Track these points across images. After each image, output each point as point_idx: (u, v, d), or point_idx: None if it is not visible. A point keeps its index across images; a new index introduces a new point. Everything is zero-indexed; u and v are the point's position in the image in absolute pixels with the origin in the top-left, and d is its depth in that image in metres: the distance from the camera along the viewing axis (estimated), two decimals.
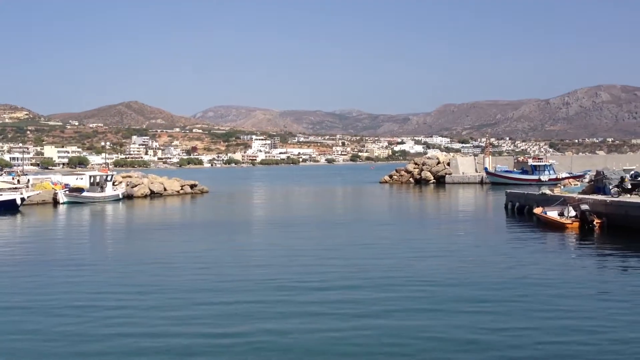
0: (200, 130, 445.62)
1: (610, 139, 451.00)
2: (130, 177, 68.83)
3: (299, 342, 12.82)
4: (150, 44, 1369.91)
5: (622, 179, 33.72)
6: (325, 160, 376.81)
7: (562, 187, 43.62)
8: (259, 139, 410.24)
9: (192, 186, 70.96)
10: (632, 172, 38.83)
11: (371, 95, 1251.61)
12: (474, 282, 18.47)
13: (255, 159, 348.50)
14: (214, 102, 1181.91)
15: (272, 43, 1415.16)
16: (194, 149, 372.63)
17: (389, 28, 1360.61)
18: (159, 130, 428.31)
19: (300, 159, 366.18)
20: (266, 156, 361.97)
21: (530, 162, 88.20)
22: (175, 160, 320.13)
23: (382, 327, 13.81)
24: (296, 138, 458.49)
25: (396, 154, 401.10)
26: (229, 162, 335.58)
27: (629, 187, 32.94)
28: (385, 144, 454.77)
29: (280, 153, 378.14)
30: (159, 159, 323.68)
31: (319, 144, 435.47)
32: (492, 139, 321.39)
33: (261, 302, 16.25)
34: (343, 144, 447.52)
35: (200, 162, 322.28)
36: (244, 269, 21.32)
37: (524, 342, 12.54)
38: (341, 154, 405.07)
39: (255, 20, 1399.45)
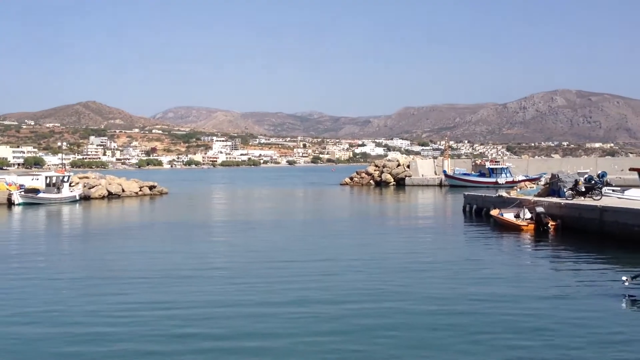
0: (160, 131, 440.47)
1: (565, 143, 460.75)
2: (87, 177, 67.64)
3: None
4: (109, 42, 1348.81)
5: (576, 182, 34.45)
6: (287, 162, 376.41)
7: (518, 189, 44.37)
8: (220, 141, 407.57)
9: (151, 187, 70.13)
10: (586, 175, 39.73)
11: (332, 98, 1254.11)
12: (430, 283, 18.70)
13: (216, 161, 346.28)
14: (174, 102, 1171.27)
15: (234, 44, 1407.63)
16: (154, 149, 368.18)
17: (350, 30, 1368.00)
18: (117, 131, 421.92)
19: (262, 161, 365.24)
20: (227, 158, 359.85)
21: (488, 165, 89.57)
22: (134, 161, 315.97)
23: (330, 340, 13.86)
24: (257, 140, 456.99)
25: (357, 156, 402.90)
26: (189, 163, 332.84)
27: (583, 190, 33.69)
28: (346, 146, 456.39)
29: (241, 154, 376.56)
30: (117, 159, 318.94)
31: (280, 146, 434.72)
32: (451, 142, 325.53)
33: (213, 308, 16.17)
34: (304, 145, 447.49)
35: (160, 163, 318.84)
36: (201, 274, 21.16)
37: (479, 342, 12.74)
38: (302, 156, 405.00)
39: (217, 20, 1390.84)
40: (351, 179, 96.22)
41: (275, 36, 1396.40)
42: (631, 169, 48.03)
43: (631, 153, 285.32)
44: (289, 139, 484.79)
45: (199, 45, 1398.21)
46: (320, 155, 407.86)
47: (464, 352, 12.17)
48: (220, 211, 51.10)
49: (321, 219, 42.21)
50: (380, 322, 14.35)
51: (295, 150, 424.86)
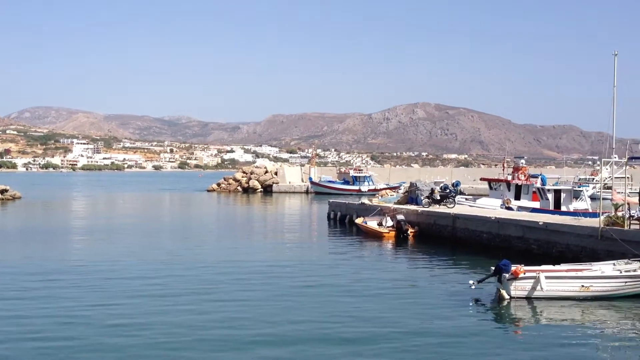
0: (15, 132, 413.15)
1: (424, 153, 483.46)
2: None
3: None
4: None
5: (432, 191, 36.39)
6: (152, 167, 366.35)
7: (379, 197, 46.10)
8: (81, 143, 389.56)
9: (2, 191, 65.65)
10: (442, 184, 42.10)
11: (202, 103, 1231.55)
12: (292, 292, 19.00)
13: (76, 164, 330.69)
14: (31, 102, 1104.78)
15: (97, 40, 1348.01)
16: (7, 151, 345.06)
17: (220, 35, 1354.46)
18: None
19: (126, 165, 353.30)
20: (88, 161, 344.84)
21: (352, 173, 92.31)
22: None
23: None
24: (122, 143, 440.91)
25: (225, 162, 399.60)
26: (46, 166, 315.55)
27: (438, 198, 35.65)
28: (215, 152, 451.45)
29: (104, 158, 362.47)
30: None
31: (146, 150, 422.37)
32: (319, 150, 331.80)
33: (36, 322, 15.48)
34: (171, 150, 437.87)
35: (14, 166, 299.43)
36: (46, 285, 20.16)
37: (331, 344, 13.13)
38: (169, 161, 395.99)
39: (81, 16, 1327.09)
40: (218, 185, 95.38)
41: (142, 36, 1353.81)
42: (482, 179, 51.54)
43: (483, 164, 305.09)
44: (155, 143, 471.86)
45: (60, 39, 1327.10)
46: (188, 161, 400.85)
47: (321, 348, 12.50)
48: (77, 218, 48.67)
49: (185, 226, 41.45)
50: (229, 333, 14.39)
51: (161, 155, 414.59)
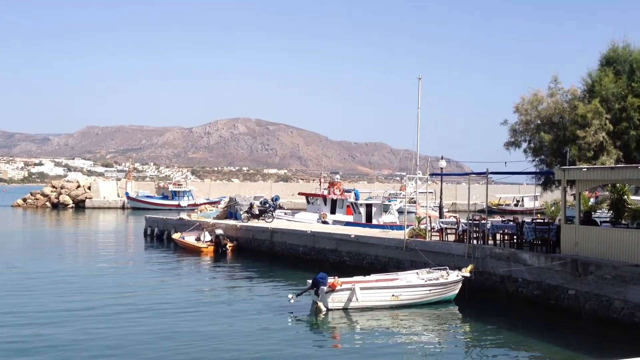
0: None
1: (245, 168, 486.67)
2: None
3: None
4: None
5: (251, 206, 36.74)
6: None
7: (199, 212, 45.63)
8: None
9: None
10: (262, 199, 42.64)
11: (6, 111, 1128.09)
12: (103, 310, 18.16)
13: None
14: None
15: None
16: None
17: (25, 37, 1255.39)
18: None
19: None
20: None
21: (171, 187, 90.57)
22: None
23: None
24: None
25: (33, 176, 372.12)
26: None
27: (257, 213, 36.05)
28: (22, 164, 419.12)
29: None
30: None
31: None
32: (137, 164, 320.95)
33: None
34: None
35: None
36: None
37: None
38: None
39: None
40: (24, 200, 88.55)
41: None
42: (300, 194, 53.04)
43: (302, 179, 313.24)
44: None
45: None
46: None
47: None
48: None
49: None
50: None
51: None
